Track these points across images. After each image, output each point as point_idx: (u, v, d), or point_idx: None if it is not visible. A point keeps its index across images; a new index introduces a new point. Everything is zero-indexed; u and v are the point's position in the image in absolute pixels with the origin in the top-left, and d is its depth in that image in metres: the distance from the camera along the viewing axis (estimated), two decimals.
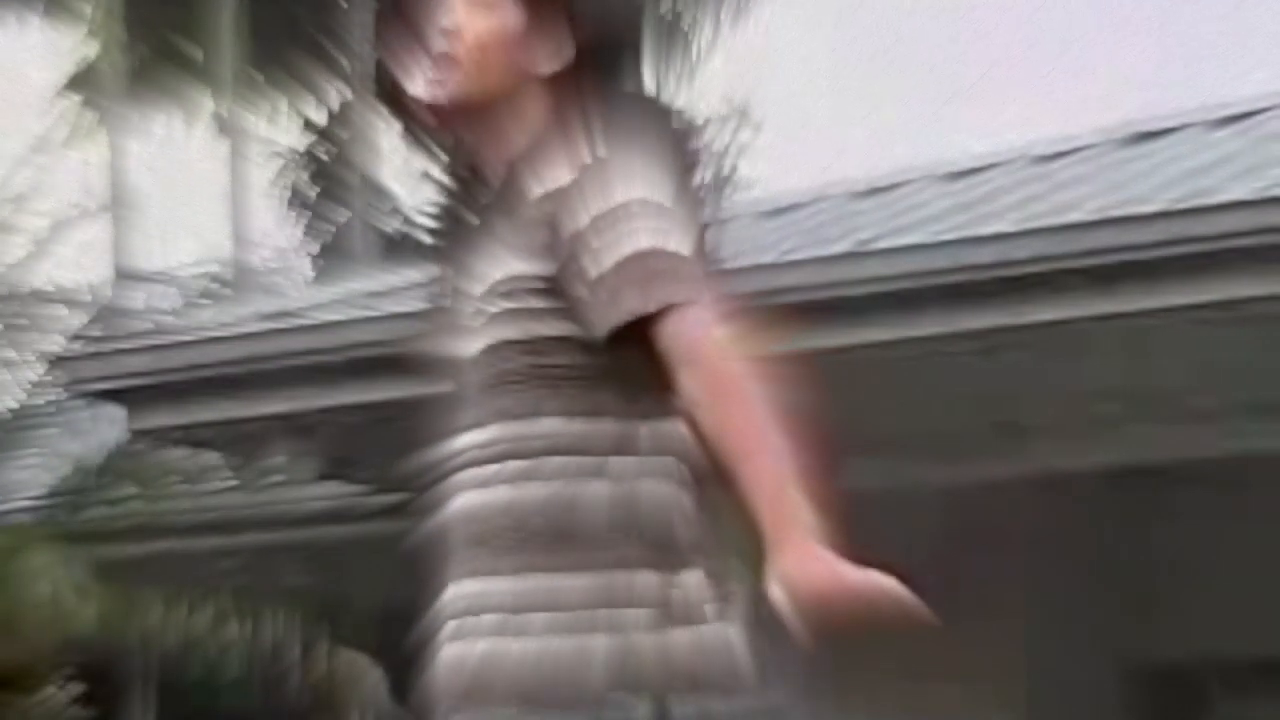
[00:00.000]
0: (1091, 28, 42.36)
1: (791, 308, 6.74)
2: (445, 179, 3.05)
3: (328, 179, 18.31)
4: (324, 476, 9.13)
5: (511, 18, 2.81)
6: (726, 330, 2.67)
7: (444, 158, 3.03)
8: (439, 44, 2.82)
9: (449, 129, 2.88)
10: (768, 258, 7.45)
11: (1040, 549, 8.78)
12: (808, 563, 2.54)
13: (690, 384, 2.65)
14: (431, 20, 2.83)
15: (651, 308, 2.65)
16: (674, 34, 15.30)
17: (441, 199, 3.03)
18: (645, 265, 2.67)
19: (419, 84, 2.84)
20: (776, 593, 2.55)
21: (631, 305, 2.66)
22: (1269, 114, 8.84)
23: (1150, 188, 7.45)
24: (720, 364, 2.64)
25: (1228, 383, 7.21)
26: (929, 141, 34.56)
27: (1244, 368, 7.08)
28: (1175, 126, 9.34)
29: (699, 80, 14.85)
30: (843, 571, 2.54)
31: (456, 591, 2.77)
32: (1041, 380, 7.29)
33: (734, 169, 11.86)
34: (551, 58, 2.82)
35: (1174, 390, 7.32)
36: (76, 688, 10.26)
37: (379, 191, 17.50)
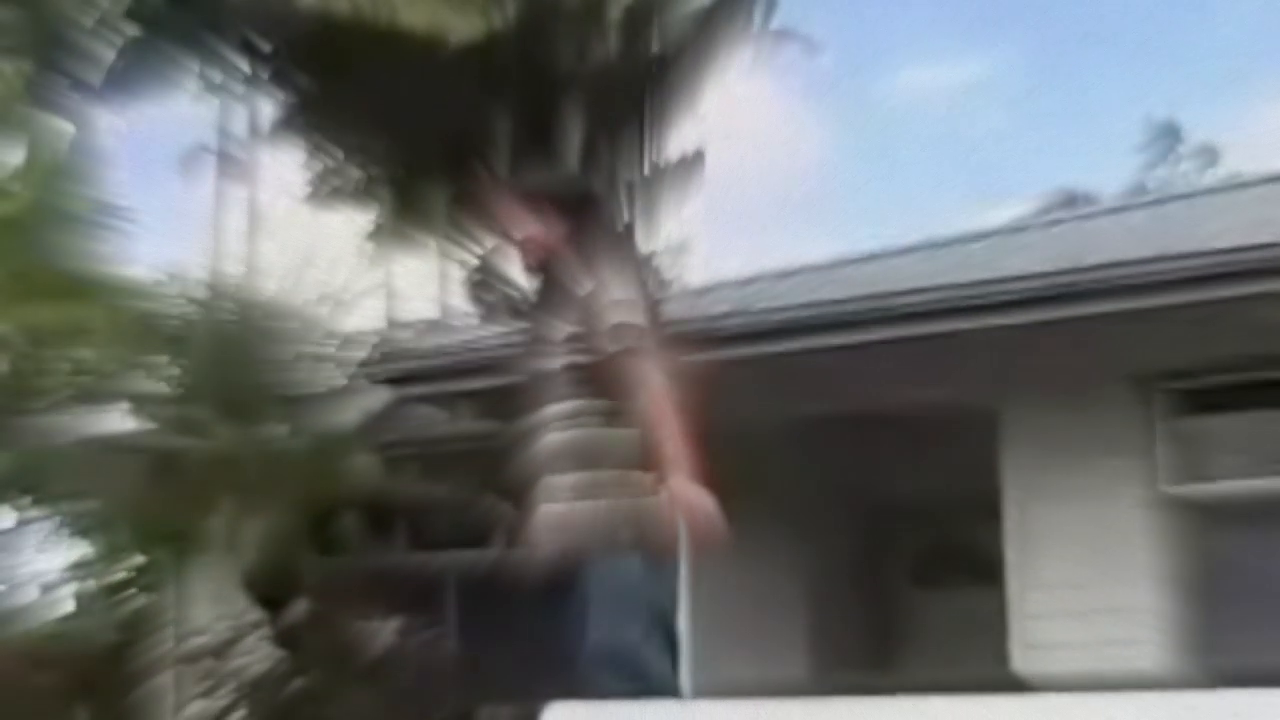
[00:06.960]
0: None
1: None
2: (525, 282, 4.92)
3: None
4: None
5: (555, 221, 5.46)
6: (658, 371, 5.08)
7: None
8: (523, 249, 5.45)
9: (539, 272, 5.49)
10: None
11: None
12: (685, 485, 4.94)
13: (639, 396, 5.08)
14: (510, 222, 5.48)
15: (619, 348, 5.11)
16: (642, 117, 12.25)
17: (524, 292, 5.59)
18: (621, 329, 5.12)
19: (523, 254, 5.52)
20: (665, 497, 4.98)
21: (613, 347, 5.14)
22: None
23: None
24: (654, 390, 5.05)
25: None
26: (923, 210, 34.77)
27: None
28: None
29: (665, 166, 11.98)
30: (695, 495, 4.93)
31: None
32: None
33: (688, 246, 12.71)
34: (569, 225, 5.44)
35: None
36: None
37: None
